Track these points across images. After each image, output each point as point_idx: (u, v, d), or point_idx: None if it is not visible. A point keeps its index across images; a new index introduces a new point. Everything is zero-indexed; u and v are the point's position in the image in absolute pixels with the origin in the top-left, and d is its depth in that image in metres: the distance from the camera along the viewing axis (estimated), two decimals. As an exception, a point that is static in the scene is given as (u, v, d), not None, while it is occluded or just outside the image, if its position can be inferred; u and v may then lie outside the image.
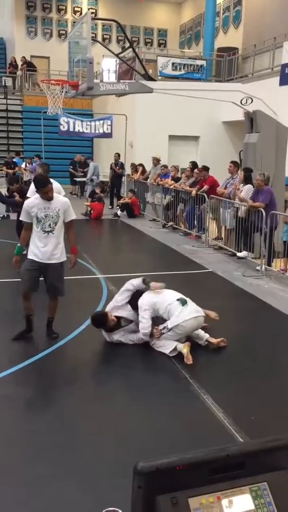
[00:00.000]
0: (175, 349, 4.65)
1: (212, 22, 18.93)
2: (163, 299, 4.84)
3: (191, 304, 4.84)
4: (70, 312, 5.71)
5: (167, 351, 4.66)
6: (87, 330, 5.22)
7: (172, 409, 3.79)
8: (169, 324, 4.67)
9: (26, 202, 4.93)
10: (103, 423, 3.56)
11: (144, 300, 4.82)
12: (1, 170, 16.46)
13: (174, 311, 4.70)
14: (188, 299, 4.88)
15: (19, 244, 5.04)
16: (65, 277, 7.35)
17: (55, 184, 6.09)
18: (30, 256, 4.88)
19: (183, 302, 4.77)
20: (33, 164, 15.47)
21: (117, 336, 4.91)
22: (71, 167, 17.84)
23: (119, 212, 13.71)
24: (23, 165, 16.23)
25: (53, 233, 4.83)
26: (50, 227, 4.81)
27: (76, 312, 5.72)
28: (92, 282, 7.16)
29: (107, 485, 2.83)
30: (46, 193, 4.74)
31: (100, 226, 12.92)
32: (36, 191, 4.85)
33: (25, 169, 15.96)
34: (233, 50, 17.79)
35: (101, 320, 4.87)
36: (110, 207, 15.10)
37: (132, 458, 2.79)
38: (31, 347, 4.71)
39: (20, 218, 4.92)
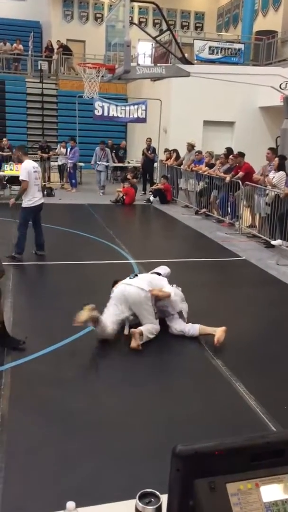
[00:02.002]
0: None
1: (251, 5, 18.46)
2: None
3: (139, 279, 4.75)
4: (102, 296, 5.74)
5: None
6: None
7: (204, 396, 3.79)
8: None
9: None
10: (136, 406, 3.60)
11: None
12: (36, 154, 16.58)
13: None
14: (142, 275, 4.83)
15: None
16: (98, 262, 7.46)
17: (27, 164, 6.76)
18: None
19: (132, 275, 4.81)
20: (68, 148, 15.49)
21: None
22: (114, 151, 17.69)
23: (151, 198, 13.68)
24: (57, 150, 16.31)
25: None
26: None
27: (107, 296, 5.74)
28: (124, 267, 7.17)
29: (141, 465, 2.87)
30: None
31: (133, 211, 12.92)
32: None
33: (59, 153, 16.03)
34: (272, 33, 17.32)
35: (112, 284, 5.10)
36: (143, 192, 15.08)
37: (164, 441, 2.82)
38: (66, 329, 4.78)
39: None
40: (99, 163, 14.71)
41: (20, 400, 3.60)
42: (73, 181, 15.38)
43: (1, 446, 3.02)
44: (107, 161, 14.90)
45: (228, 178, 10.17)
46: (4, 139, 15.67)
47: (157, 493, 1.23)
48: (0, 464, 2.85)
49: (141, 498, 1.22)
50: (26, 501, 2.55)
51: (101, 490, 2.62)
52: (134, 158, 17.95)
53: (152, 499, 1.22)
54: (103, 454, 3.01)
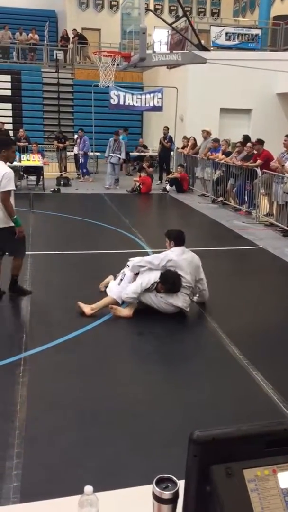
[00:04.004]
0: None
1: (269, -11, 18.14)
2: None
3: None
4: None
5: None
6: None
7: (221, 384, 3.79)
8: None
9: (9, 170, 4.98)
10: (153, 393, 3.63)
11: None
12: (52, 144, 16.61)
13: None
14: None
15: (15, 216, 5.07)
16: (115, 251, 7.50)
17: None
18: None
19: None
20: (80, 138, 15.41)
21: None
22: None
23: (168, 187, 13.62)
24: (76, 141, 16.29)
25: None
26: None
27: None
28: (141, 256, 7.17)
29: (158, 452, 2.88)
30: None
31: (149, 200, 12.89)
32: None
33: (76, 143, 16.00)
34: (290, 18, 17.01)
35: None
36: (159, 181, 15.01)
37: (181, 427, 2.83)
38: (84, 318, 4.81)
39: (11, 188, 4.96)
40: (112, 155, 14.07)
41: (38, 387, 3.64)
42: (84, 170, 15.33)
43: (20, 432, 3.06)
44: (120, 153, 14.24)
45: (238, 162, 10.06)
46: (21, 130, 15.72)
47: (174, 478, 1.23)
48: (19, 450, 2.89)
49: (158, 483, 1.22)
50: (44, 486, 2.59)
51: (118, 475, 2.65)
52: (151, 147, 17.89)
53: (169, 485, 1.22)
54: (120, 440, 3.03)
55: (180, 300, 4.92)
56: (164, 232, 5.38)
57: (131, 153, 17.23)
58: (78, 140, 15.17)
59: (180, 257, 5.02)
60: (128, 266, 5.17)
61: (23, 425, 3.13)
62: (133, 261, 5.08)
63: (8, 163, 5.10)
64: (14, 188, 5.06)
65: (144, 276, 4.93)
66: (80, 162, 15.26)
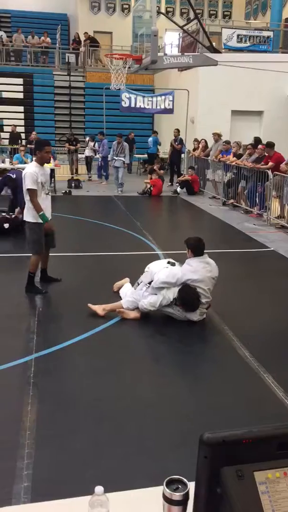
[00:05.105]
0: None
1: (280, -9, 18.08)
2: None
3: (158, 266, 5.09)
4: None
5: None
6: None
7: (231, 385, 3.78)
8: None
9: (31, 171, 5.33)
10: (164, 395, 3.62)
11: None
12: (64, 146, 16.68)
13: None
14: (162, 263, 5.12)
15: (41, 213, 5.41)
16: (125, 253, 7.51)
17: None
18: (39, 220, 5.44)
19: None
20: (97, 142, 15.46)
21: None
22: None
23: (178, 189, 13.62)
24: (87, 143, 16.36)
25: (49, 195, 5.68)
26: (48, 189, 5.64)
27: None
28: (151, 258, 7.16)
29: (169, 454, 2.88)
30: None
31: (160, 203, 12.90)
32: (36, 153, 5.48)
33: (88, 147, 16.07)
34: (302, 20, 16.96)
35: None
36: (170, 184, 15.02)
37: (192, 429, 2.82)
38: (95, 319, 4.83)
39: (30, 187, 5.29)
40: (116, 158, 13.45)
41: (49, 388, 3.66)
42: (105, 173, 15.42)
43: (31, 432, 3.07)
44: (125, 156, 13.50)
45: (249, 164, 10.03)
46: (33, 133, 15.81)
47: (185, 480, 1.23)
48: (29, 450, 2.91)
49: (168, 484, 1.22)
50: (54, 486, 2.60)
51: (129, 476, 2.65)
52: (162, 150, 17.90)
53: (180, 486, 1.22)
54: (131, 441, 3.03)
55: (196, 315, 4.84)
56: (184, 240, 5.16)
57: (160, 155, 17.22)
58: (94, 144, 15.23)
59: (200, 272, 4.82)
60: (146, 271, 5.07)
61: (34, 426, 3.14)
62: (152, 284, 4.84)
63: (45, 164, 5.60)
64: (34, 187, 5.30)
65: (164, 293, 4.78)
66: (100, 165, 15.34)
